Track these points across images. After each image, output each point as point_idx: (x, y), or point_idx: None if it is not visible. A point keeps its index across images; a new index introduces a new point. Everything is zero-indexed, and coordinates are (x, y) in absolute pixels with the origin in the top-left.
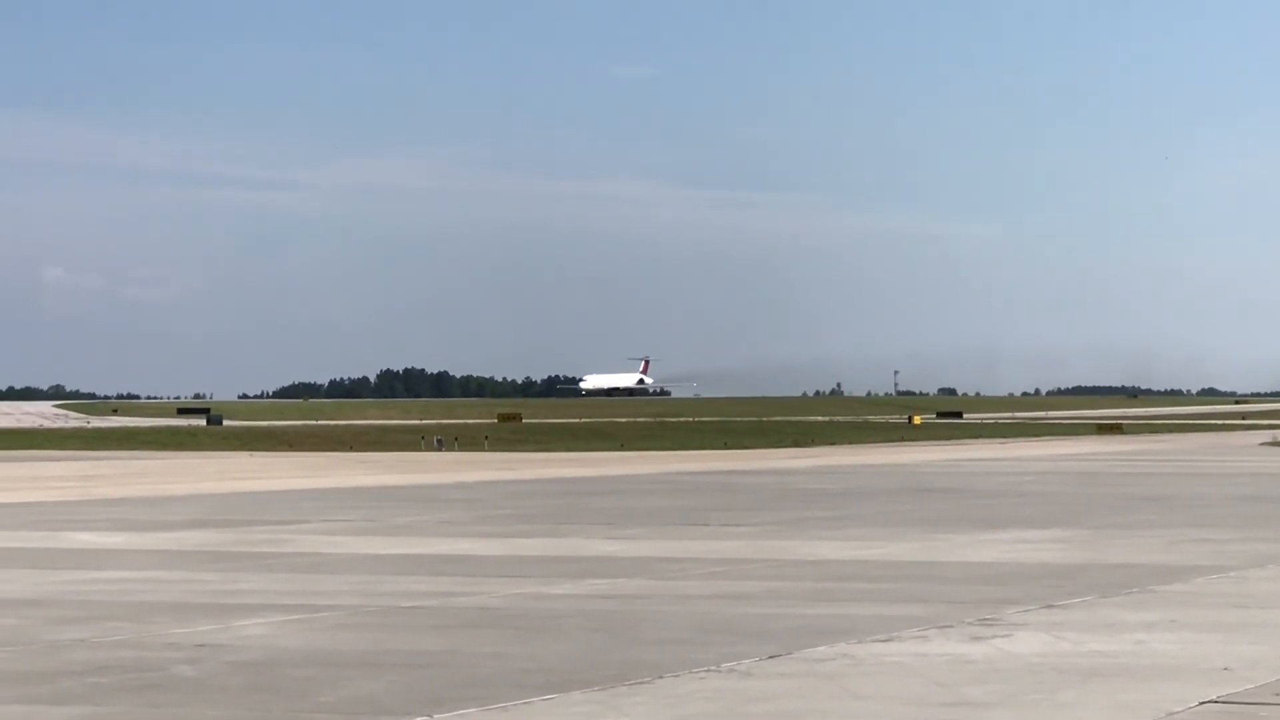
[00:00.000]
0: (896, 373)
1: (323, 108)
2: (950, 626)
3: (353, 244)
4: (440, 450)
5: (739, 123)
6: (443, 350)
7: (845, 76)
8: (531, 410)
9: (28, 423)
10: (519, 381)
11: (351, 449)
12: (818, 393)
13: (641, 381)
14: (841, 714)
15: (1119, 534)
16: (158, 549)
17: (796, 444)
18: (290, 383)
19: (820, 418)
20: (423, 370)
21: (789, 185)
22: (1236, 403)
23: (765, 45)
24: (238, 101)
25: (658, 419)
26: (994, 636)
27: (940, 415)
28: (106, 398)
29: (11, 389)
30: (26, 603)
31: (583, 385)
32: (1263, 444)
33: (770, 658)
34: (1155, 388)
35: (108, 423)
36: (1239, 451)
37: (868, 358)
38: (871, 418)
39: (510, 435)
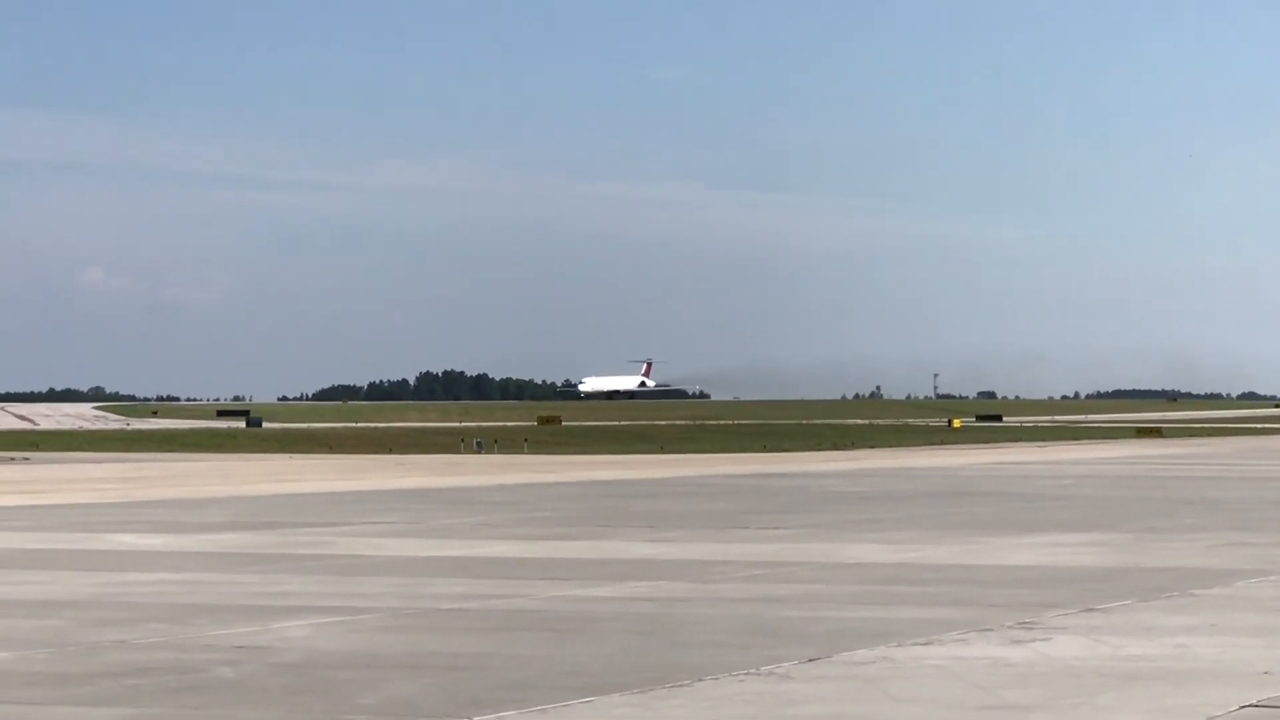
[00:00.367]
0: (936, 376)
1: (361, 110)
2: (990, 630)
3: (393, 246)
4: (480, 453)
5: (777, 125)
6: (482, 353)
7: (886, 78)
8: (571, 413)
9: (67, 425)
10: (559, 384)
11: (391, 451)
12: (857, 395)
13: (644, 384)
14: (881, 717)
15: (1159, 537)
16: (198, 551)
17: (836, 447)
18: (329, 385)
19: (859, 421)
20: (462, 373)
21: (828, 188)
22: (1277, 406)
23: (801, 48)
24: (276, 105)
25: (697, 422)
26: (1033, 640)
27: (980, 418)
28: (146, 400)
29: (52, 391)
30: (67, 604)
31: (581, 388)
32: None
33: (810, 661)
34: (1196, 391)
35: (147, 425)
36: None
37: (907, 361)
38: (911, 421)
39: (550, 438)
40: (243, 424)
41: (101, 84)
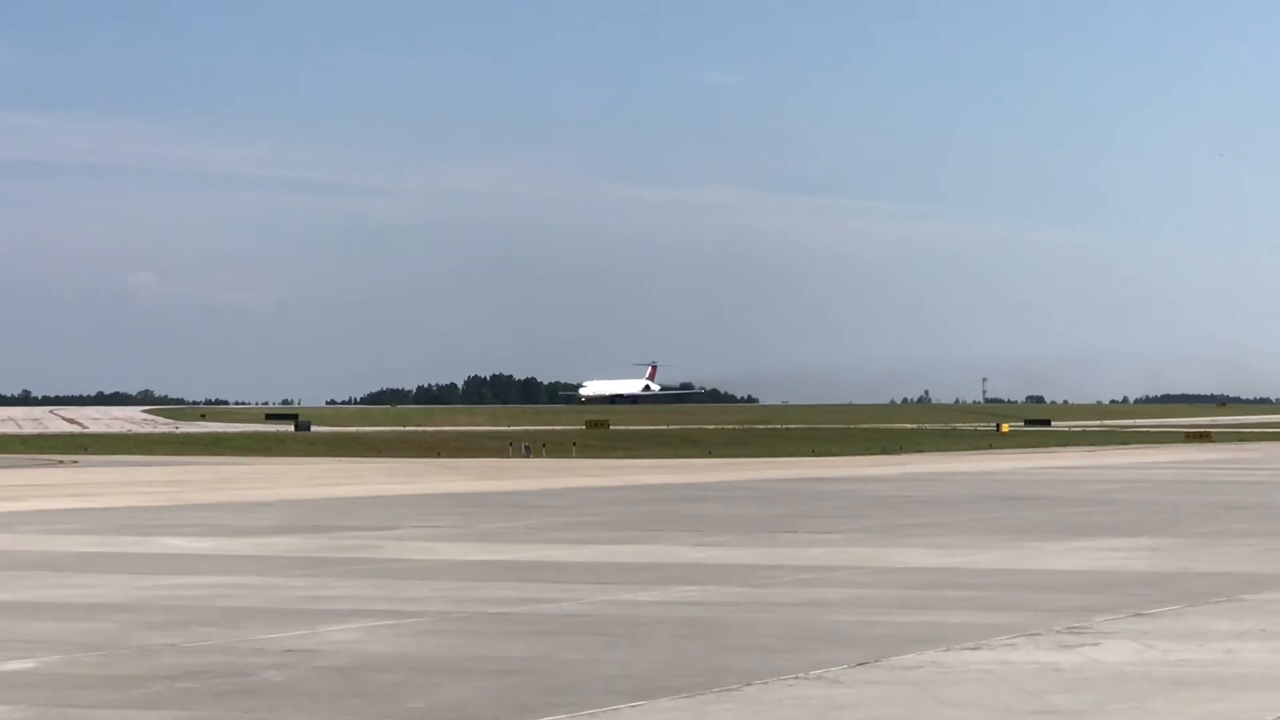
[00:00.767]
0: (984, 380)
1: (412, 114)
2: (1039, 634)
3: (441, 250)
4: (528, 456)
5: (823, 129)
6: (531, 357)
7: (933, 82)
8: (620, 417)
9: (117, 428)
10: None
11: (440, 455)
12: (905, 400)
13: (648, 387)
14: None
15: (1208, 542)
16: (247, 554)
17: (884, 451)
18: (378, 389)
19: (908, 425)
20: (510, 376)
21: (875, 192)
22: None
23: (848, 52)
24: (324, 109)
25: (745, 426)
26: (1082, 645)
27: (1028, 423)
28: (195, 403)
29: (101, 394)
30: (117, 607)
31: (582, 391)
32: None
33: (859, 665)
34: (1246, 396)
35: (196, 428)
36: None
37: (955, 365)
38: (959, 425)
39: (598, 441)
40: (291, 428)
41: (152, 88)
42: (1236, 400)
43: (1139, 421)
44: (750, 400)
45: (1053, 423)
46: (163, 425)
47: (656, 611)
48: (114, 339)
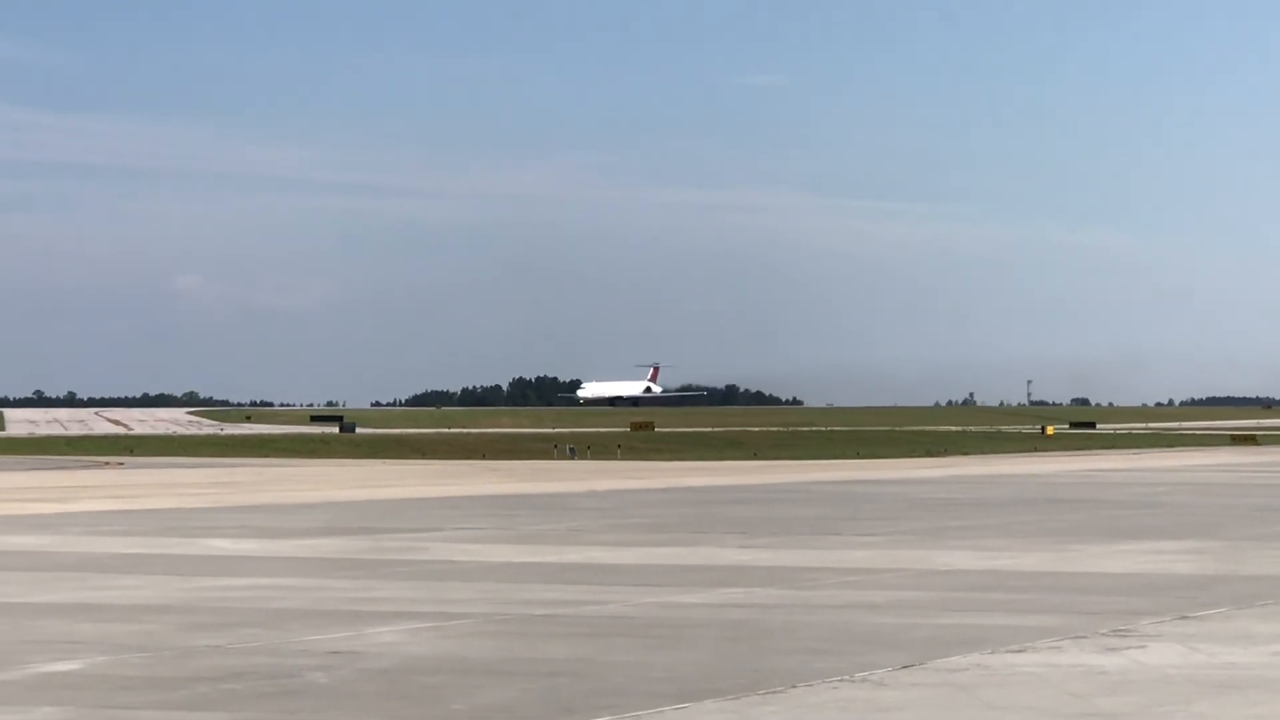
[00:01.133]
0: (1029, 382)
1: (456, 117)
2: (1084, 637)
3: (486, 252)
4: (573, 458)
5: (868, 130)
6: (575, 359)
7: (980, 83)
8: (664, 419)
9: (162, 430)
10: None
11: (484, 457)
12: (950, 402)
13: (649, 389)
14: None
15: (1254, 545)
16: (291, 556)
17: (929, 454)
18: (423, 391)
19: (952, 427)
20: (555, 378)
21: (921, 193)
22: None
23: (892, 53)
24: (371, 111)
25: (790, 428)
26: (1128, 647)
27: (1073, 425)
28: (240, 405)
29: (146, 395)
30: (162, 609)
31: (581, 394)
32: None
33: (903, 668)
34: None
35: (241, 430)
36: None
37: (1000, 367)
38: (1004, 428)
39: (642, 443)
40: (336, 429)
41: (197, 90)
42: None
43: (1184, 424)
44: (795, 403)
45: (1097, 425)
46: (207, 427)
47: (701, 614)
48: (160, 341)
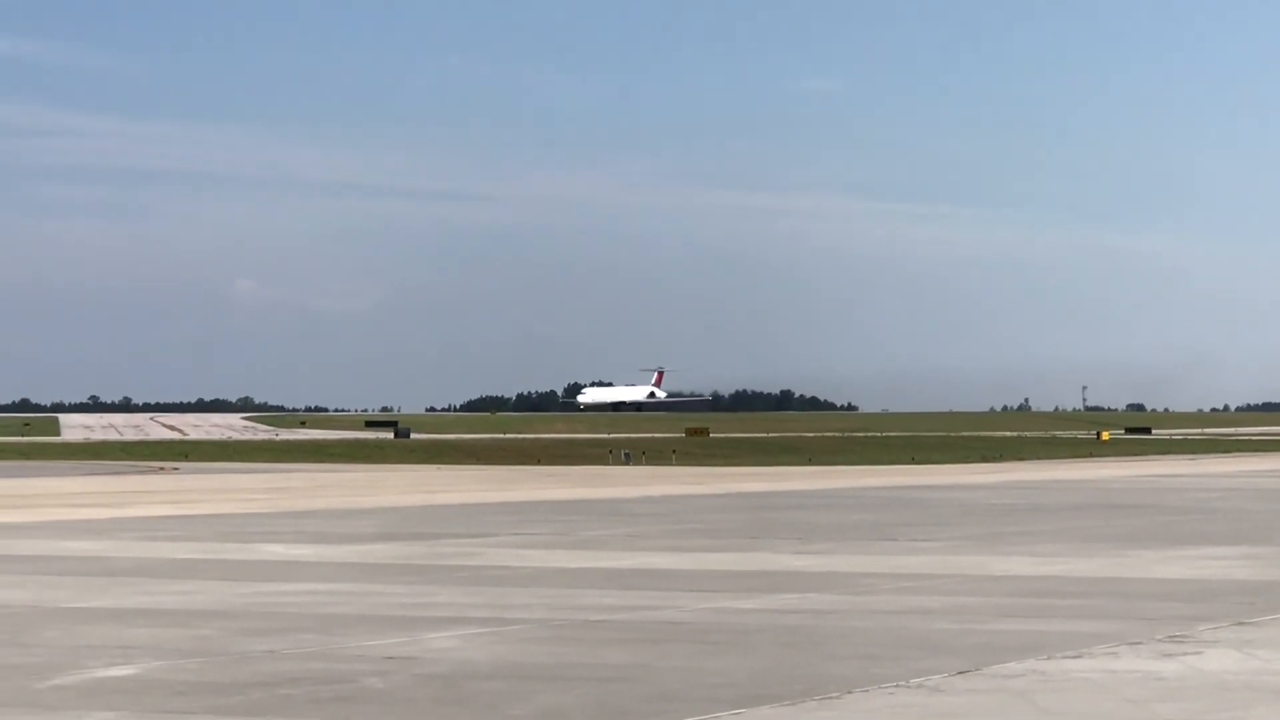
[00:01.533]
0: (1084, 388)
1: (510, 121)
2: (1140, 643)
3: (540, 257)
4: (628, 464)
5: (924, 135)
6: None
7: (1034, 87)
8: (720, 424)
9: (216, 435)
10: (708, 396)
11: (539, 463)
12: (1005, 407)
13: (653, 394)
14: None
15: None
16: (346, 561)
17: (984, 459)
18: (478, 396)
19: (1008, 433)
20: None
21: (975, 198)
22: None
23: (947, 57)
24: (426, 116)
25: (845, 434)
26: (1185, 653)
27: (1129, 431)
28: (295, 410)
29: (201, 401)
30: (216, 614)
31: (581, 399)
32: None
33: (959, 673)
34: None
35: (296, 435)
36: None
37: (1055, 373)
38: (1059, 433)
39: (698, 449)
40: (391, 435)
41: (252, 95)
42: None
43: (1240, 430)
44: (850, 408)
45: (1153, 431)
46: (262, 432)
47: (757, 619)
48: (215, 346)
